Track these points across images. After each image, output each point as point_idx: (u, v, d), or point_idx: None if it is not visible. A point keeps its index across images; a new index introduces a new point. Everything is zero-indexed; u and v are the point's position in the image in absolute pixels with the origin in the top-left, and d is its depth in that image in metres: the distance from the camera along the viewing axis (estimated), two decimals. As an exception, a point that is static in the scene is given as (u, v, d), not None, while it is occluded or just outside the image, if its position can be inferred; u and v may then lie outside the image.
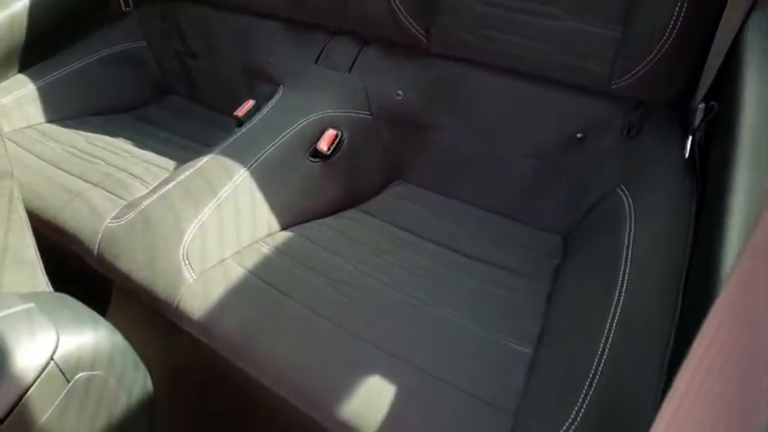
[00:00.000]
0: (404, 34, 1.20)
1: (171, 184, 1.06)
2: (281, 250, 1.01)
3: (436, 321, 0.89)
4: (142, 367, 0.81)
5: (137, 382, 0.79)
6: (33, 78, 1.44)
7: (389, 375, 0.79)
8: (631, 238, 0.88)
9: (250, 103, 1.30)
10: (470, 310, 0.92)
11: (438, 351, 0.83)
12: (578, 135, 1.10)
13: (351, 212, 1.20)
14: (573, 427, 0.68)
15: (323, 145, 1.14)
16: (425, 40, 1.19)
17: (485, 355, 0.84)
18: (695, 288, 0.71)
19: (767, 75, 0.74)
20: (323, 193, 1.16)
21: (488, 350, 0.85)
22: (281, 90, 1.30)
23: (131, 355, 0.79)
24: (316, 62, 1.36)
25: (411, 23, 1.17)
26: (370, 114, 1.26)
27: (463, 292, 0.97)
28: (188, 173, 1.08)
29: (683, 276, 0.76)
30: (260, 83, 1.45)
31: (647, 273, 0.81)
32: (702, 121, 0.90)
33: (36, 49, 1.49)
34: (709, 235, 0.67)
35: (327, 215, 1.17)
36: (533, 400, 0.75)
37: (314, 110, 1.20)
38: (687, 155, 0.93)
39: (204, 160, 1.10)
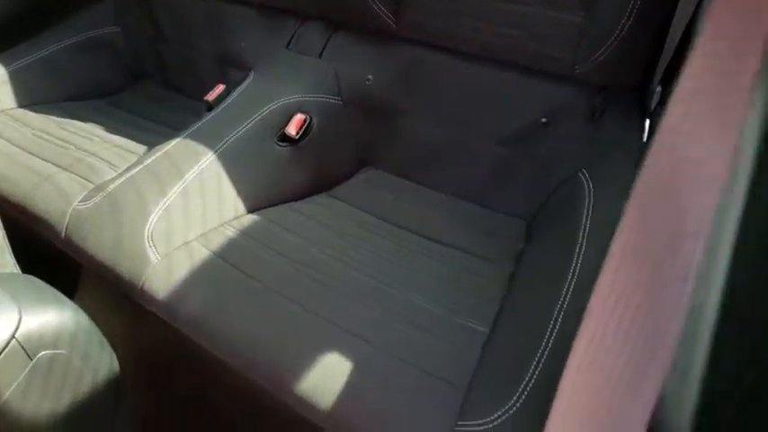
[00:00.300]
0: (372, 18, 1.21)
1: (138, 168, 1.07)
2: (246, 233, 1.02)
3: (398, 303, 0.91)
4: (108, 348, 0.82)
5: (102, 362, 0.80)
6: (5, 63, 1.43)
7: (348, 354, 0.80)
8: (588, 221, 0.90)
9: (220, 88, 1.30)
10: (434, 293, 0.94)
11: (398, 331, 0.85)
12: (543, 120, 1.12)
13: (319, 197, 1.21)
14: (521, 400, 0.70)
15: (291, 129, 1.15)
16: (394, 25, 1.20)
17: (444, 335, 0.85)
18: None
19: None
20: (291, 178, 1.17)
21: (448, 330, 0.86)
22: (251, 75, 1.31)
23: (97, 336, 0.80)
24: (287, 47, 1.36)
25: (379, 7, 1.18)
26: (341, 99, 1.27)
27: (427, 276, 0.98)
28: (155, 156, 1.09)
29: None
30: (232, 68, 1.46)
31: (602, 253, 0.83)
32: (659, 104, 0.92)
33: (9, 33, 1.49)
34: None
35: (296, 200, 1.18)
36: (484, 375, 0.77)
37: (283, 95, 1.21)
38: (645, 138, 0.95)
39: (172, 144, 1.11)
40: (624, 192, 0.90)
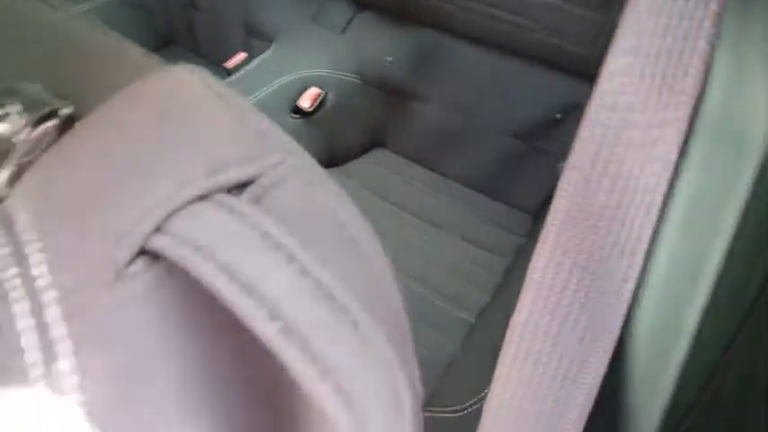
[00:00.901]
0: None
1: None
2: None
3: None
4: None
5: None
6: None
7: None
8: None
9: (241, 56, 1.31)
10: (429, 279, 0.93)
11: None
12: (557, 115, 1.10)
13: (327, 172, 1.21)
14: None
15: (304, 102, 1.15)
16: (412, 6, 1.19)
17: (431, 322, 0.85)
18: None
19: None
20: (300, 151, 1.17)
21: (436, 317, 0.86)
22: (273, 46, 1.31)
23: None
24: (311, 21, 1.36)
25: None
26: (359, 78, 1.27)
27: (425, 261, 0.98)
28: None
29: None
30: (257, 39, 1.46)
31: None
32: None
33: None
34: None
35: (303, 174, 1.18)
36: (460, 364, 0.77)
37: (301, 67, 1.20)
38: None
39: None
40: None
